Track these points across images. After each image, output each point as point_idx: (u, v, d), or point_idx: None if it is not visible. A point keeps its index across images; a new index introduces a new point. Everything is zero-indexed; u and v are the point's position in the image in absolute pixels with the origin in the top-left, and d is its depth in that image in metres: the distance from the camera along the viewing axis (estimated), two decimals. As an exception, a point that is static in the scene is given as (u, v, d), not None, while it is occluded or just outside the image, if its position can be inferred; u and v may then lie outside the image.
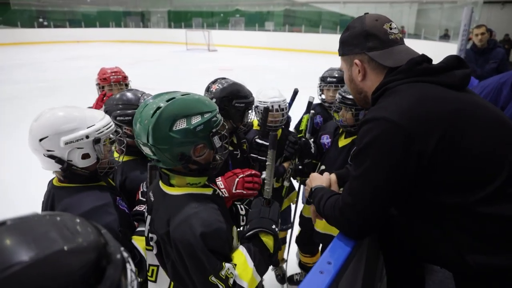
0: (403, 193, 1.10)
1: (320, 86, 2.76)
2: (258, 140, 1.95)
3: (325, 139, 2.33)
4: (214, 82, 2.00)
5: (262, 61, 17.28)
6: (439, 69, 1.15)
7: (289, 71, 13.77)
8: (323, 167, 2.18)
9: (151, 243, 1.27)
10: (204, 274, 1.10)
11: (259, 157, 1.95)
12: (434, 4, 21.09)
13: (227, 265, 1.12)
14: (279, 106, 2.23)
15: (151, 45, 25.16)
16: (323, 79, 2.73)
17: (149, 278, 1.34)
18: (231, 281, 1.11)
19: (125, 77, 3.04)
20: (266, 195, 1.35)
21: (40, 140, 1.26)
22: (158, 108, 1.13)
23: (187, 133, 1.14)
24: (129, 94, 1.83)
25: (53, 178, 1.45)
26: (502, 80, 2.62)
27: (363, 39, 1.22)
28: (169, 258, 1.22)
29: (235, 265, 1.15)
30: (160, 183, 1.29)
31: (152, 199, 1.31)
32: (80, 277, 0.45)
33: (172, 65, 15.59)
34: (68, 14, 30.04)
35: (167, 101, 1.15)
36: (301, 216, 2.56)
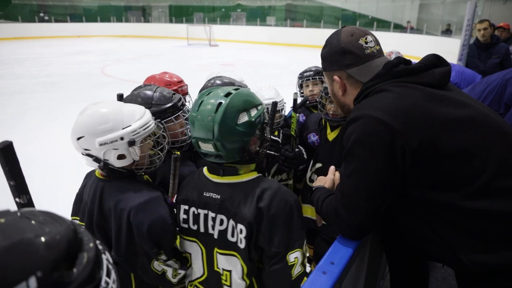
0: (394, 190, 1.10)
1: (298, 83, 2.72)
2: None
3: (313, 137, 2.27)
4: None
5: (264, 56, 17.24)
6: (417, 69, 1.15)
7: (291, 66, 13.73)
8: (319, 164, 2.15)
9: (240, 236, 1.23)
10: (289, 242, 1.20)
11: (267, 151, 1.92)
12: (437, -2, 20.96)
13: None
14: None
15: (153, 40, 25.09)
16: (300, 75, 2.69)
17: (223, 282, 1.32)
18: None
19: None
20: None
21: (78, 139, 1.28)
22: (220, 103, 1.18)
23: (249, 125, 1.20)
24: (148, 92, 1.71)
25: (93, 171, 1.47)
26: (507, 76, 2.60)
27: (340, 56, 1.24)
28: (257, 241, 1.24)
29: None
30: (223, 179, 1.30)
31: (218, 196, 1.28)
32: (50, 262, 0.45)
33: (174, 60, 15.55)
34: (69, 8, 29.95)
35: (225, 96, 1.20)
36: None
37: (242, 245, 1.23)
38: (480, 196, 1.01)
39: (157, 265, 1.36)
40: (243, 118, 1.19)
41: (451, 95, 1.12)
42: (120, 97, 1.69)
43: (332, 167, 1.46)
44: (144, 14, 32.98)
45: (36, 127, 6.46)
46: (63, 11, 29.25)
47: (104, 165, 1.31)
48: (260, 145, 1.32)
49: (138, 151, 1.34)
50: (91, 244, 0.52)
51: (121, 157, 1.31)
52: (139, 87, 1.80)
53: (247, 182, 1.27)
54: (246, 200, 1.22)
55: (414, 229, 1.18)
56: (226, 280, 1.30)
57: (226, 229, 1.26)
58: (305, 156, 2.18)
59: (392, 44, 6.16)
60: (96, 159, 1.30)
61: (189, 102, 2.26)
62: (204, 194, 1.30)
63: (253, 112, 1.22)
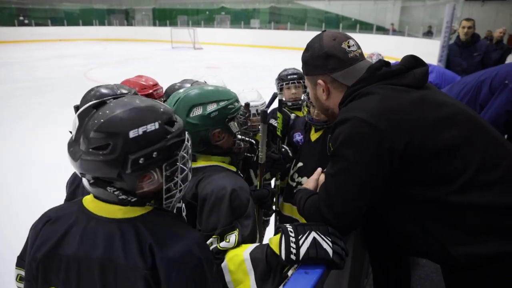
0: (379, 190, 1.11)
1: (279, 85, 2.71)
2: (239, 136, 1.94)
3: (298, 136, 2.31)
4: None
5: (249, 58, 17.27)
6: (399, 71, 1.17)
7: (277, 68, 13.75)
8: (300, 164, 2.18)
9: (184, 213, 1.32)
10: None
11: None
12: (417, 1, 21.35)
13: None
14: (257, 110, 2.19)
15: (136, 44, 24.86)
16: (282, 78, 2.69)
17: None
18: None
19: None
20: (260, 160, 1.67)
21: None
22: (178, 98, 1.29)
23: (202, 119, 1.27)
24: (103, 89, 1.73)
25: None
26: (482, 78, 2.66)
27: (323, 60, 1.23)
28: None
29: None
30: None
31: None
32: (165, 118, 0.94)
33: (159, 64, 15.41)
34: (49, 12, 29.39)
35: (187, 92, 1.30)
36: (279, 214, 2.51)
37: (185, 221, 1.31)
38: (466, 191, 1.04)
39: None
40: (197, 112, 1.28)
41: (432, 95, 1.15)
42: (76, 109, 1.67)
43: (319, 169, 1.47)
44: (127, 18, 32.64)
45: (29, 130, 6.47)
46: (44, 15, 28.68)
47: None
48: (233, 140, 1.39)
49: None
50: (181, 122, 1.00)
51: None
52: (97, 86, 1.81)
53: (200, 168, 1.35)
54: (190, 182, 1.27)
55: (401, 227, 1.20)
56: None
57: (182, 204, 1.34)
58: (290, 154, 2.20)
59: (375, 46, 6.25)
60: None
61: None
62: None
63: (211, 107, 1.28)
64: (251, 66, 14.78)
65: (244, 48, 21.81)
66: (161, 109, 0.96)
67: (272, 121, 2.47)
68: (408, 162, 1.05)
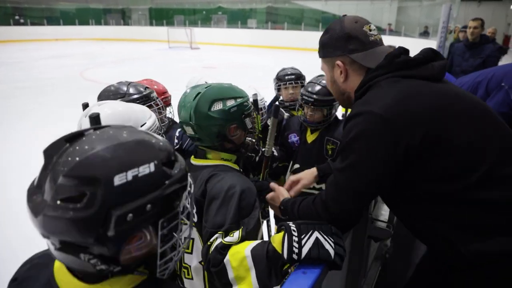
0: (388, 186, 1.11)
1: (276, 85, 2.72)
2: None
3: (293, 138, 2.30)
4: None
5: (247, 58, 17.24)
6: (418, 62, 1.16)
7: (275, 68, 13.67)
8: (296, 165, 2.17)
9: (193, 211, 1.34)
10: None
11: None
12: (414, 1, 21.42)
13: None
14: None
15: (133, 43, 24.74)
16: (279, 78, 2.69)
17: (185, 250, 1.39)
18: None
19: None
20: (266, 153, 1.72)
21: None
22: (199, 93, 1.35)
23: (223, 113, 1.34)
24: (121, 85, 1.83)
25: None
26: (478, 79, 2.66)
27: (344, 41, 1.23)
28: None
29: None
30: (193, 160, 1.46)
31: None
32: (162, 158, 0.70)
33: (156, 63, 15.34)
34: (45, 11, 29.20)
35: (206, 87, 1.37)
36: (276, 217, 2.49)
37: (195, 219, 1.34)
38: (480, 186, 1.03)
39: None
40: (218, 106, 1.34)
41: (450, 89, 1.15)
42: (85, 107, 1.67)
43: (292, 177, 1.54)
44: (123, 17, 32.51)
45: (29, 130, 6.44)
46: (40, 14, 28.50)
47: None
48: (245, 136, 1.45)
49: None
50: (182, 161, 0.77)
51: None
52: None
53: (210, 166, 1.40)
54: (200, 180, 1.34)
55: (409, 223, 1.20)
56: (187, 248, 1.39)
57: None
58: (275, 153, 2.19)
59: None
60: None
61: (171, 113, 2.21)
62: None
63: (230, 103, 1.36)
64: (250, 66, 14.75)
65: (242, 48, 21.73)
66: (157, 145, 0.72)
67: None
68: (423, 156, 1.04)
